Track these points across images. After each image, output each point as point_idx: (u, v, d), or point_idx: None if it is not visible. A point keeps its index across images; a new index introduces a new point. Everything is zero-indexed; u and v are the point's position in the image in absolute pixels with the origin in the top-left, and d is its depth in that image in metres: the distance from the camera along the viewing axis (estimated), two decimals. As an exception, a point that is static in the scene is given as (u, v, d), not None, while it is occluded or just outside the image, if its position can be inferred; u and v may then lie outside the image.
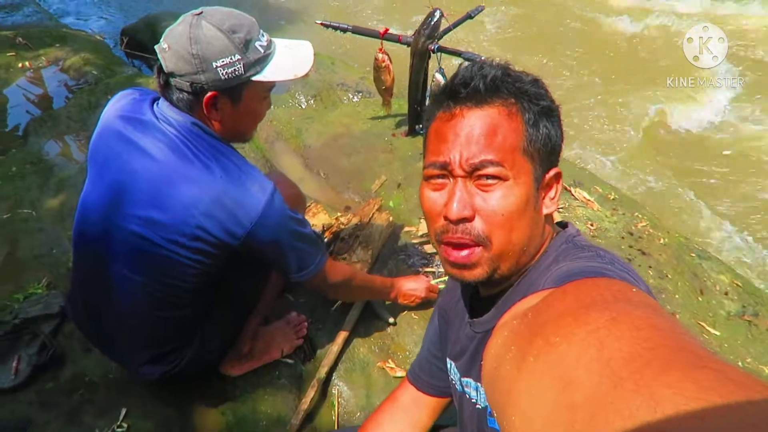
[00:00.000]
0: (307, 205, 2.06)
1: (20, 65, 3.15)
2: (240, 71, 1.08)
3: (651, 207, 2.33)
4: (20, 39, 3.31)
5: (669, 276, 1.86)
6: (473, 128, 0.69)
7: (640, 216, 2.11)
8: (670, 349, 0.36)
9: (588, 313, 0.50)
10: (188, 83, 1.07)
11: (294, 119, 2.92)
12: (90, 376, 1.61)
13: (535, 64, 3.92)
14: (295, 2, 4.79)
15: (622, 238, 1.98)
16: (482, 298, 0.79)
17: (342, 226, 1.95)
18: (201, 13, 1.07)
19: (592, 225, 2.03)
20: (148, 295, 1.22)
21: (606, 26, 4.57)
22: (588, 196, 2.17)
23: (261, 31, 1.14)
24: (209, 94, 1.09)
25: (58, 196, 2.25)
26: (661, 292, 1.80)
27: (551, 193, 0.75)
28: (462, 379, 0.83)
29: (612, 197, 2.20)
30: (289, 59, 1.18)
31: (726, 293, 1.88)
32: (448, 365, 0.90)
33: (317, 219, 1.97)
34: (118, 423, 1.46)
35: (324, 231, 1.93)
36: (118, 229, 1.16)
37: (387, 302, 1.73)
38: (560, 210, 2.10)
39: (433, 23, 2.23)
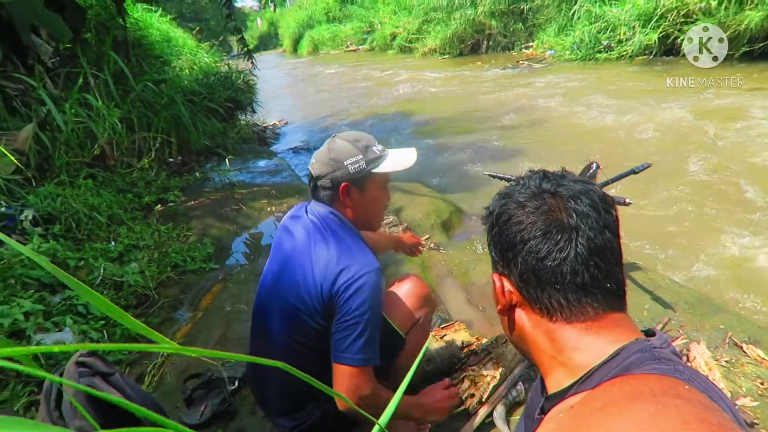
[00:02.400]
0: (451, 322, 2.26)
1: (269, 209, 4.20)
2: (363, 166, 1.47)
3: None
4: (274, 192, 4.45)
5: None
6: None
7: (833, 384, 1.78)
8: None
9: (632, 404, 0.49)
10: (329, 180, 1.48)
11: (465, 260, 3.23)
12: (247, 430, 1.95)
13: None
14: (470, 157, 5.42)
15: (802, 402, 1.70)
16: (550, 396, 0.78)
17: (480, 345, 2.09)
18: (335, 136, 1.53)
19: (762, 384, 1.78)
20: (287, 352, 1.52)
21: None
22: (764, 355, 1.92)
23: (377, 142, 1.54)
24: (343, 184, 1.47)
25: (267, 299, 2.86)
26: None
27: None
28: None
29: (799, 361, 1.91)
30: (398, 159, 1.53)
31: None
32: None
33: (458, 335, 2.14)
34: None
35: (463, 347, 2.09)
36: (274, 299, 1.53)
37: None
38: (724, 365, 1.90)
39: (589, 174, 2.44)
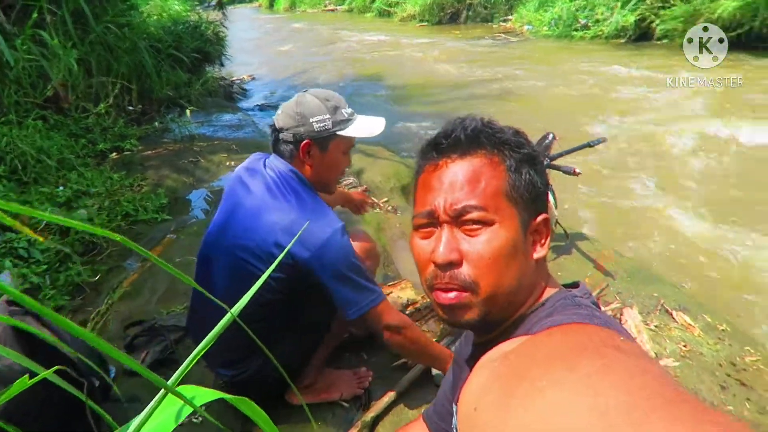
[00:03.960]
0: (400, 281, 2.29)
1: (228, 164, 4.13)
2: (328, 126, 1.44)
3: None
4: (234, 146, 4.38)
5: (773, 415, 1.62)
6: (456, 176, 0.72)
7: (751, 350, 1.88)
8: (669, 401, 0.36)
9: (578, 357, 0.48)
10: (291, 134, 1.45)
11: (420, 225, 3.27)
12: (189, 380, 1.95)
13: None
14: (435, 124, 5.42)
15: (720, 365, 1.80)
16: (478, 344, 0.77)
17: (424, 303, 2.12)
18: (307, 90, 1.49)
19: (685, 346, 1.89)
20: (229, 303, 1.52)
21: None
22: (690, 321, 2.03)
23: (347, 105, 1.51)
24: (305, 141, 1.44)
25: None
26: (759, 426, 1.58)
27: (540, 239, 0.75)
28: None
29: (722, 328, 2.02)
30: (365, 125, 1.51)
31: None
32: (453, 410, 0.87)
33: (404, 293, 2.17)
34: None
35: (407, 304, 2.12)
36: (222, 248, 1.50)
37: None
38: (653, 329, 2.00)
39: (545, 143, 2.48)
